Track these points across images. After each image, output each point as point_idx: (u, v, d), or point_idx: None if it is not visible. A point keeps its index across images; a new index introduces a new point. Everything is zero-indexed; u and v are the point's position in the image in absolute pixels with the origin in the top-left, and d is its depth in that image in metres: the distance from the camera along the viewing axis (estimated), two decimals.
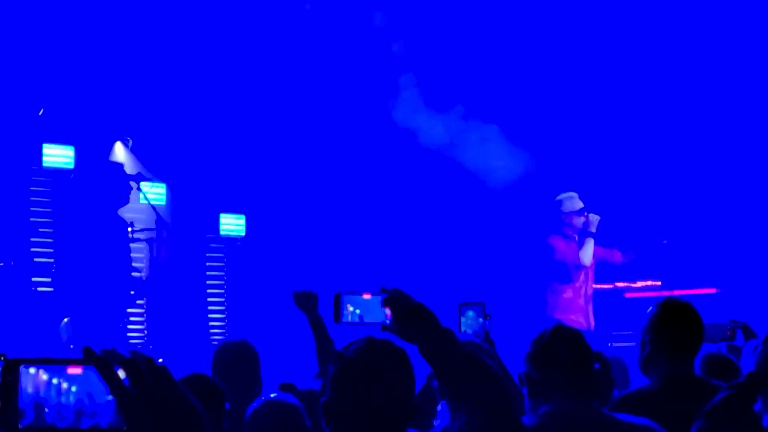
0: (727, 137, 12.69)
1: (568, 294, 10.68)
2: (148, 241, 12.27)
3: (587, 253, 10.59)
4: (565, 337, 3.58)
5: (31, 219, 11.76)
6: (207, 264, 13.19)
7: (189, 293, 12.72)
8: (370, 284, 3.21)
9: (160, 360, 1.76)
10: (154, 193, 12.38)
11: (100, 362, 1.69)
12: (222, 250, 13.28)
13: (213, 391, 4.22)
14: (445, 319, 3.01)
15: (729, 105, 12.72)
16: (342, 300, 3.11)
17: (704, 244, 12.59)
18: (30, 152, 11.66)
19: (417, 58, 12.41)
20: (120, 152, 12.57)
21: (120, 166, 12.33)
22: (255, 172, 13.11)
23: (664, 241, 12.07)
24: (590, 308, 10.81)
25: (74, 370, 1.72)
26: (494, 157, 11.78)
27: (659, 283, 11.87)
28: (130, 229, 12.03)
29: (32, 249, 11.66)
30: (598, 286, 11.17)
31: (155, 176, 12.48)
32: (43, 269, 11.55)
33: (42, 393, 1.72)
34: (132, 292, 12.00)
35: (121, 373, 1.70)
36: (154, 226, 12.24)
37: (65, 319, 10.93)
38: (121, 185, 12.07)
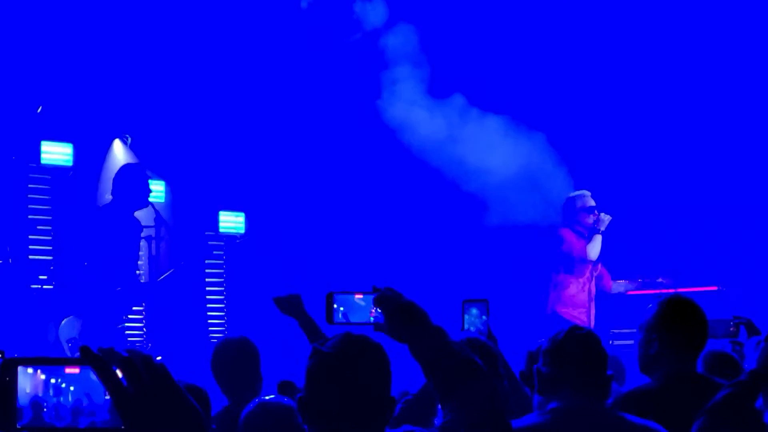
0: (727, 137, 12.70)
1: (572, 290, 10.75)
2: (146, 238, 12.25)
3: (595, 249, 10.75)
4: (583, 337, 3.65)
5: (30, 216, 11.73)
6: (206, 261, 13.17)
7: (188, 291, 12.70)
8: (370, 282, 3.19)
9: (159, 358, 1.75)
10: (153, 190, 12.36)
11: (97, 362, 1.68)
12: (221, 247, 13.26)
13: (198, 396, 4.20)
14: (449, 316, 3.01)
15: (729, 105, 12.72)
16: (334, 300, 3.09)
17: (705, 241, 12.60)
18: (28, 149, 11.64)
19: (416, 52, 12.38)
20: (119, 150, 12.57)
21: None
22: (254, 170, 13.10)
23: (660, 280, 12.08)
24: (593, 306, 10.86)
25: (72, 370, 1.72)
26: (495, 151, 11.78)
27: (661, 280, 11.90)
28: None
29: (30, 247, 11.64)
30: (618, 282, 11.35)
31: (154, 174, 12.46)
32: (41, 267, 11.53)
33: (40, 393, 1.71)
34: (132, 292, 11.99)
35: (119, 372, 1.69)
36: (153, 224, 12.22)
37: (65, 320, 10.92)
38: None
